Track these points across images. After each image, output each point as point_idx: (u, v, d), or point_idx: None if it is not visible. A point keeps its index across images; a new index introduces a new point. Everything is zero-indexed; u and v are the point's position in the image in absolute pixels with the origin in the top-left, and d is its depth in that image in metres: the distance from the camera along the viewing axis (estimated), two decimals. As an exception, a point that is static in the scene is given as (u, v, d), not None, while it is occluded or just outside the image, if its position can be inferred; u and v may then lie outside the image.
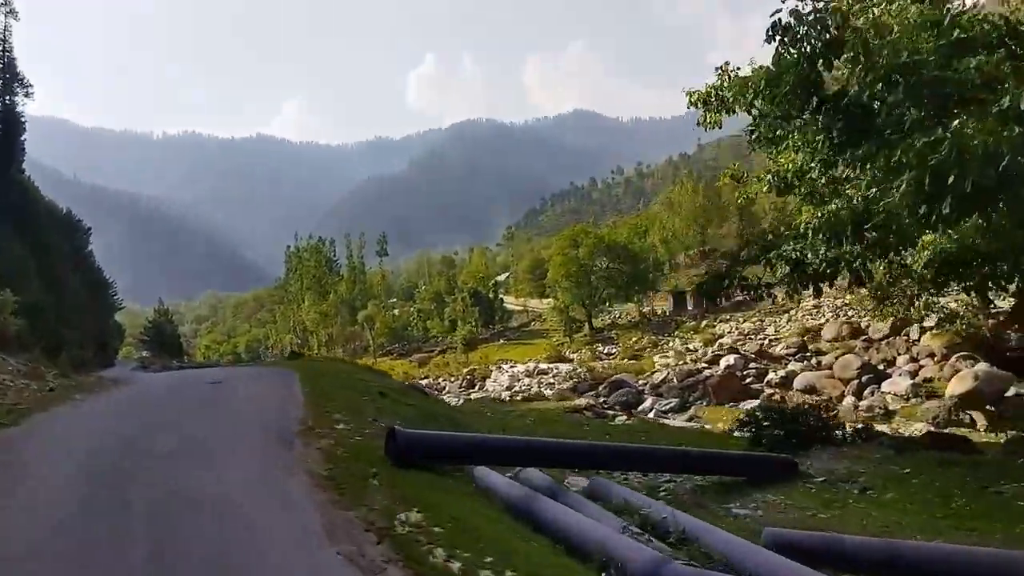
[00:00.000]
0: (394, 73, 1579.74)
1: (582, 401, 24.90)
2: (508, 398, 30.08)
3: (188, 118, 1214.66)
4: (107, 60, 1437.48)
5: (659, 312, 71.16)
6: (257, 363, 48.66)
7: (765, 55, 15.22)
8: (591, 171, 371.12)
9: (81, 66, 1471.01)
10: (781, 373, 29.67)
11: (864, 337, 33.54)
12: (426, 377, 56.11)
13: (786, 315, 51.49)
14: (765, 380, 29.64)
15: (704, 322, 63.12)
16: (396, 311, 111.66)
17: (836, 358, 29.90)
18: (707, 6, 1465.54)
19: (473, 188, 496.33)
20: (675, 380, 28.87)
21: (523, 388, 34.10)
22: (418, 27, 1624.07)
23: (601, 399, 25.87)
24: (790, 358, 33.64)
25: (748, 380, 29.50)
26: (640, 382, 30.42)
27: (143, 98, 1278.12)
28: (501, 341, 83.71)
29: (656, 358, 44.42)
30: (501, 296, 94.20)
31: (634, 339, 61.38)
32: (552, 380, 35.20)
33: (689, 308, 67.61)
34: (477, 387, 39.41)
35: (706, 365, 30.27)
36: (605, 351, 59.21)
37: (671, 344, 54.82)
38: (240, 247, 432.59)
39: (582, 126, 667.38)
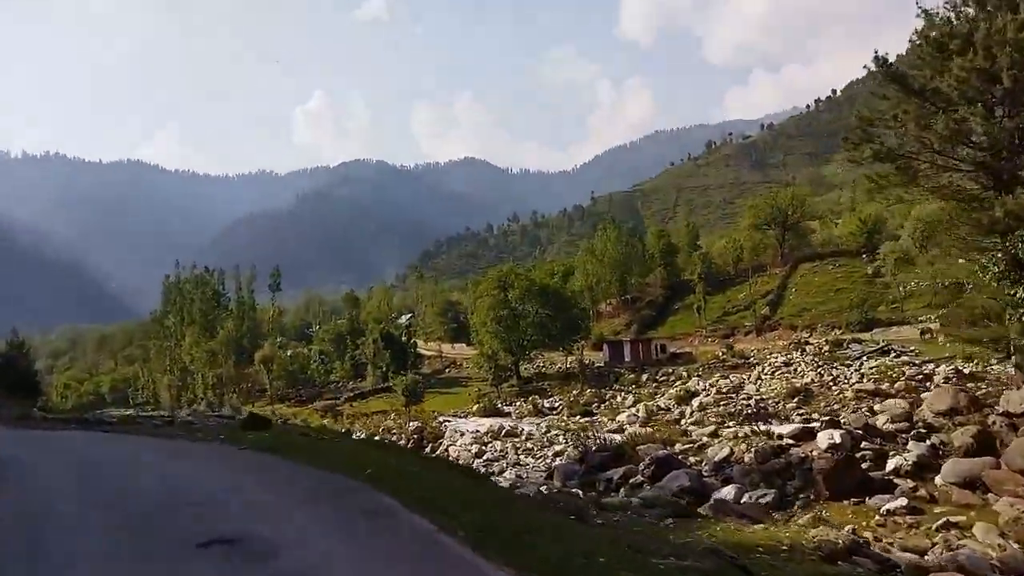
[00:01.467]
0: (280, 107, 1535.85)
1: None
2: (503, 474, 24.13)
3: (51, 137, 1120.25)
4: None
5: (591, 363, 67.21)
6: (177, 430, 39.41)
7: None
8: (480, 218, 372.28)
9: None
10: (909, 458, 21.56)
11: (1003, 411, 23.01)
12: (347, 433, 48.65)
13: (755, 369, 47.84)
14: (891, 467, 21.48)
15: (644, 375, 59.80)
16: (289, 352, 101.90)
17: (974, 439, 21.27)
18: (589, 71, 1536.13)
19: (360, 229, 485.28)
20: (750, 460, 21.47)
21: (497, 454, 27.91)
22: (307, 63, 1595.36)
23: (640, 480, 19.55)
24: (904, 436, 24.67)
25: (865, 466, 21.51)
26: (676, 454, 23.74)
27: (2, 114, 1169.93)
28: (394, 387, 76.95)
29: (622, 416, 39.82)
30: (414, 340, 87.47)
31: (574, 392, 56.94)
32: (530, 445, 29.13)
33: (626, 359, 64.22)
34: (429, 448, 32.77)
35: (792, 442, 22.84)
36: (546, 404, 54.26)
37: (621, 399, 50.73)
38: (104, 278, 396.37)
39: (471, 174, 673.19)
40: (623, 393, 53.51)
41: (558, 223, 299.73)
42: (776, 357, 49.19)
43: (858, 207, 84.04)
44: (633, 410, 41.24)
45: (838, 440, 21.53)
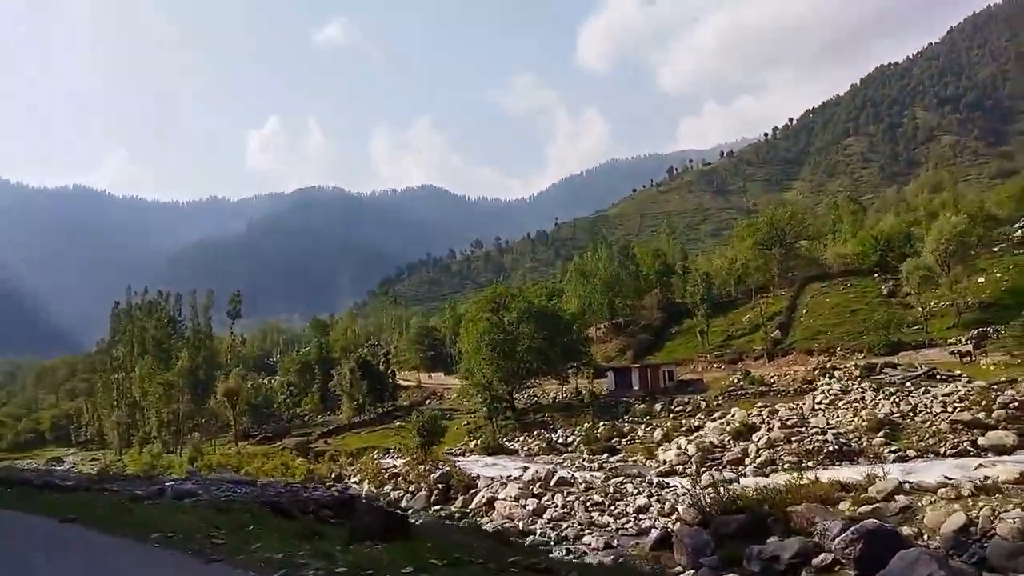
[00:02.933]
0: (232, 131, 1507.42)
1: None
2: (580, 540, 17.81)
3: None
4: None
5: (591, 391, 61.67)
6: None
7: None
8: (437, 245, 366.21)
9: None
10: None
11: None
12: (338, 479, 41.96)
13: (805, 399, 42.48)
14: None
15: (657, 404, 54.64)
16: (250, 384, 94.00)
17: None
18: (546, 100, 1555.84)
19: (317, 256, 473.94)
20: (1010, 532, 14.67)
21: (560, 511, 21.17)
22: (260, 88, 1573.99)
23: (829, 560, 13.19)
24: None
25: None
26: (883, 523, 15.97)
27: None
28: (397, 423, 70.32)
29: (669, 455, 34.09)
30: (392, 369, 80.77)
31: (584, 424, 51.38)
32: (597, 497, 22.57)
33: (634, 387, 59.04)
34: (460, 502, 25.73)
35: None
36: (558, 439, 48.53)
37: (644, 433, 45.42)
38: (45, 308, 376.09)
39: (430, 200, 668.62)
40: (642, 426, 48.28)
41: (522, 249, 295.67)
42: (828, 384, 44.43)
43: (856, 226, 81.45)
44: (676, 447, 35.83)
45: None
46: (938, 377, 44.11)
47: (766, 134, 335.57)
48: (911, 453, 28.40)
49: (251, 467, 49.96)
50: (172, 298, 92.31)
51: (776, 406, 40.74)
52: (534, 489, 23.90)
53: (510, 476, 28.16)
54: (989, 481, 18.42)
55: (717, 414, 47.96)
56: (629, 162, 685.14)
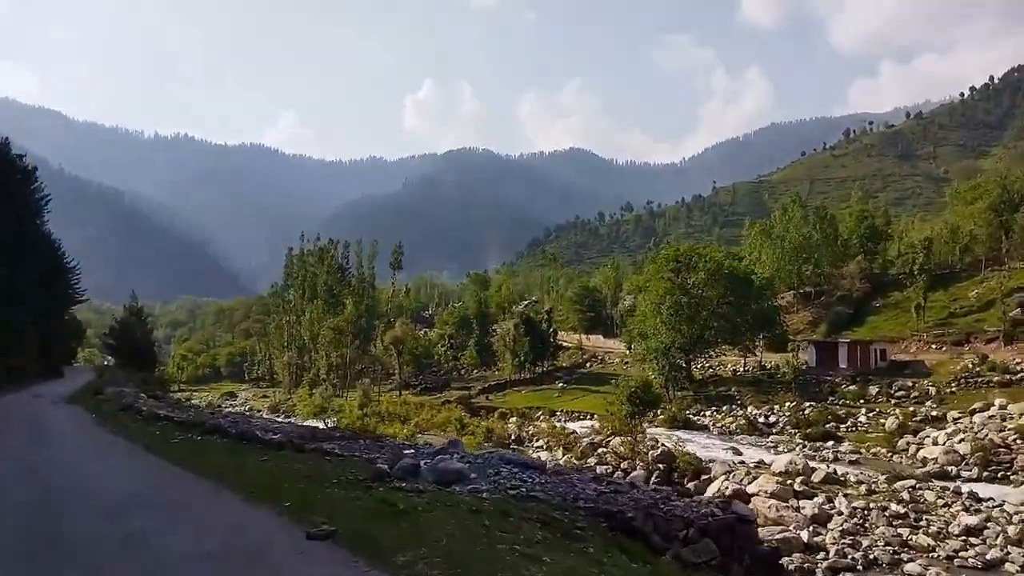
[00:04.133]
0: (391, 95, 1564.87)
1: None
2: None
3: (181, 119, 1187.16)
4: (106, 56, 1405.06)
5: (802, 365, 54.24)
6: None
7: None
8: (583, 208, 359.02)
9: (80, 60, 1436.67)
10: None
11: None
12: (519, 442, 38.64)
13: None
14: None
15: (871, 387, 47.04)
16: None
17: None
18: (703, 59, 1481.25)
19: (467, 215, 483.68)
20: None
21: (851, 522, 14.94)
22: (417, 52, 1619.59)
23: None
24: None
25: None
26: None
27: (138, 97, 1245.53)
28: (560, 384, 66.92)
29: (935, 451, 27.17)
30: (555, 327, 77.23)
31: (787, 404, 44.92)
32: (897, 507, 15.45)
33: (841, 365, 51.44)
34: (693, 488, 19.80)
35: None
36: (760, 419, 42.56)
37: (870, 420, 38.54)
38: (223, 255, 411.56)
39: (576, 164, 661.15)
40: (861, 410, 41.23)
41: (675, 214, 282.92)
42: None
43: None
44: (934, 442, 29.00)
45: None
46: None
47: (962, 94, 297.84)
48: None
49: (419, 418, 48.20)
50: (340, 246, 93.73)
51: None
52: (795, 485, 18.74)
53: (743, 461, 23.13)
54: None
55: (951, 404, 40.24)
56: (792, 125, 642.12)
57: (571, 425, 43.88)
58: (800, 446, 34.71)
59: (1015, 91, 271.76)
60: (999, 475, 24.94)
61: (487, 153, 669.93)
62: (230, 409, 57.27)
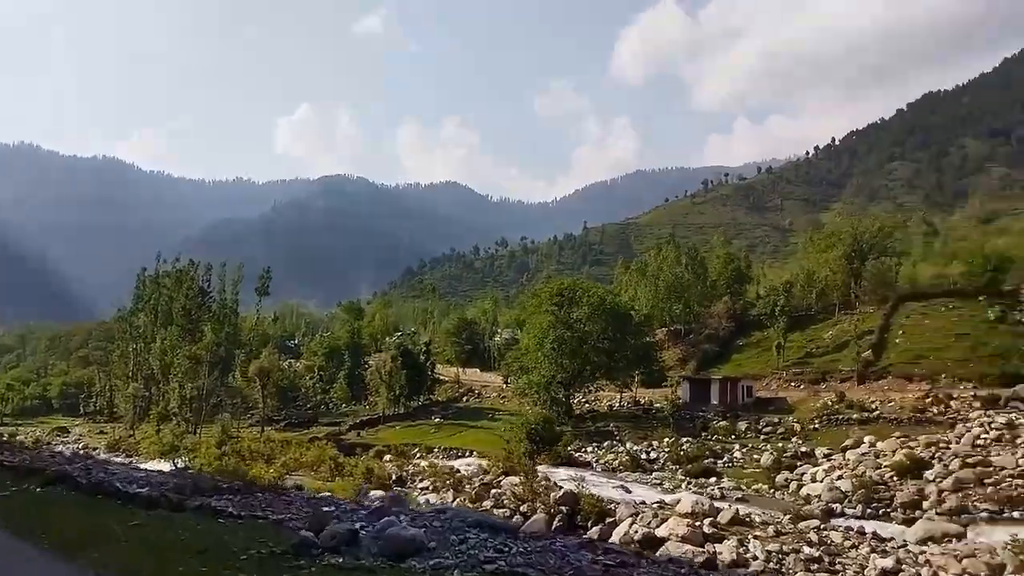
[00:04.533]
0: (263, 116, 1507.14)
1: None
2: None
3: (24, 129, 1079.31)
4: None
5: (673, 402, 55.21)
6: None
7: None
8: (459, 240, 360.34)
9: None
10: None
11: None
12: (400, 482, 35.90)
13: (951, 432, 35.52)
14: None
15: (740, 422, 48.50)
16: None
17: None
18: (575, 106, 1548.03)
19: (337, 244, 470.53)
20: None
21: (768, 567, 14.16)
22: (294, 74, 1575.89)
23: None
24: None
25: None
26: None
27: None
28: (436, 420, 64.50)
29: (818, 488, 27.59)
30: (432, 360, 74.93)
31: (666, 440, 45.30)
32: (811, 551, 15.11)
33: (712, 401, 52.85)
34: (597, 533, 18.18)
35: None
36: (642, 454, 42.41)
37: (744, 455, 39.34)
38: (61, 274, 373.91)
39: (453, 197, 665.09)
40: (735, 447, 42.16)
41: (547, 250, 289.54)
42: (988, 416, 37.94)
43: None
44: (813, 479, 29.63)
45: None
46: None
47: (808, 152, 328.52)
48: None
49: (286, 457, 44.28)
50: (202, 268, 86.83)
51: (926, 437, 34.26)
52: (705, 527, 17.94)
53: (643, 502, 22.22)
54: None
55: (816, 441, 42.17)
56: (655, 174, 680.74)
57: (453, 463, 41.82)
58: (684, 482, 34.70)
59: (852, 153, 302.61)
60: (880, 512, 25.73)
61: (362, 181, 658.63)
62: (64, 448, 50.46)
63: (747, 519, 18.91)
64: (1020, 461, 27.20)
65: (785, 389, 60.38)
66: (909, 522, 23.88)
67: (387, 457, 46.61)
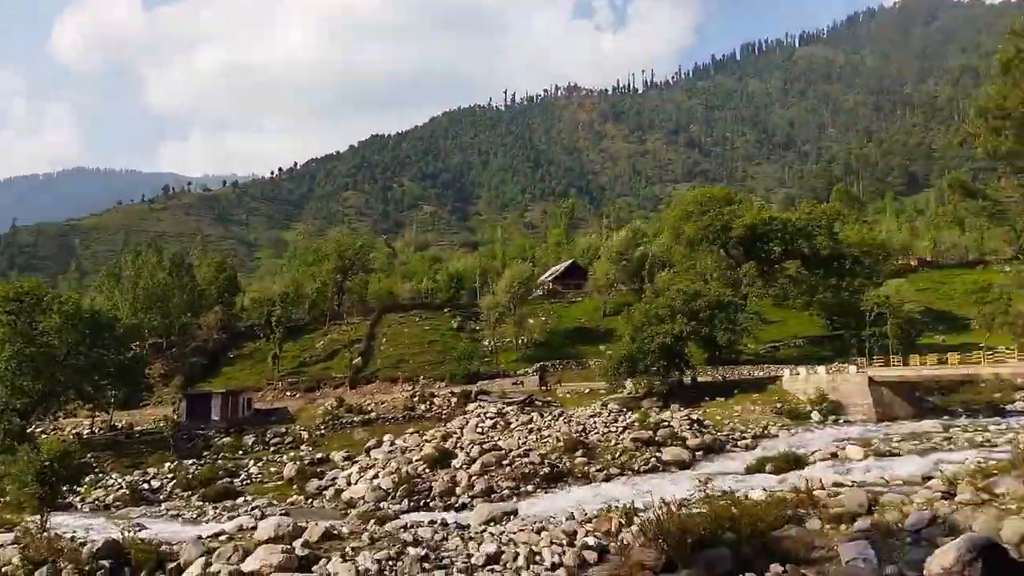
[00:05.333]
0: None
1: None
2: None
3: None
4: None
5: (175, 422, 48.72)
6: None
7: None
8: None
9: None
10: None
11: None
12: None
13: (452, 423, 39.86)
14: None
15: (248, 437, 46.38)
16: None
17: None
18: (8, 84, 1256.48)
19: None
20: None
21: None
22: None
23: None
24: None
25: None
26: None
27: None
28: None
29: (357, 489, 27.77)
30: None
31: (167, 465, 40.29)
32: (417, 551, 14.57)
33: (214, 418, 49.05)
34: None
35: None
36: (143, 484, 36.50)
37: (261, 469, 37.73)
38: None
39: None
40: (249, 462, 40.16)
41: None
42: (482, 407, 43.52)
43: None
44: (349, 481, 30.17)
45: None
46: (537, 403, 48.29)
47: (272, 172, 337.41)
48: (613, 471, 29.59)
49: None
50: None
51: (442, 430, 38.21)
52: (298, 550, 16.10)
53: (218, 535, 18.58)
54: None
55: (324, 446, 43.53)
56: (102, 173, 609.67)
57: None
58: (204, 508, 31.38)
59: (312, 178, 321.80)
60: (422, 503, 27.68)
61: None
62: None
63: (335, 532, 18.10)
64: (519, 443, 33.05)
65: (282, 399, 60.52)
66: (448, 508, 26.54)
67: None
